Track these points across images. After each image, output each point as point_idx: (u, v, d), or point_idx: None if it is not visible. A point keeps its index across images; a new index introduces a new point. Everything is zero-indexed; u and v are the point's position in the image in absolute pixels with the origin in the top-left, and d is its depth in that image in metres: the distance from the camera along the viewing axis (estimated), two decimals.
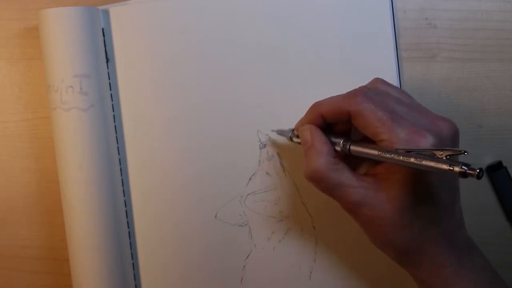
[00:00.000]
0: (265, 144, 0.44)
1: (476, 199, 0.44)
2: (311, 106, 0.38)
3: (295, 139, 0.40)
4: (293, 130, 0.40)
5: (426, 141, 0.33)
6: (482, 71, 0.44)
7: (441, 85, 0.44)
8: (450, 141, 0.35)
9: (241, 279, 0.44)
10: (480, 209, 0.44)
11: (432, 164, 0.31)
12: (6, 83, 0.47)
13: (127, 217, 0.45)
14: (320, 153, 0.36)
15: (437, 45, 0.44)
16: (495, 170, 0.44)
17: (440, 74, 0.44)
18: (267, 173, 0.44)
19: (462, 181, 0.44)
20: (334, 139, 0.37)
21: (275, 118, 0.43)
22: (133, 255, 0.45)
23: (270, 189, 0.44)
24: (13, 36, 0.46)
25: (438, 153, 0.31)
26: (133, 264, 0.45)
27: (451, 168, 0.30)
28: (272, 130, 0.43)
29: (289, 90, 0.43)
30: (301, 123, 0.39)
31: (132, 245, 0.45)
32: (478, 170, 0.30)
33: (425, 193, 0.35)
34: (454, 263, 0.35)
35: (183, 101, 0.44)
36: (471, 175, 0.30)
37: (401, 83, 0.43)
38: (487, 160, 0.44)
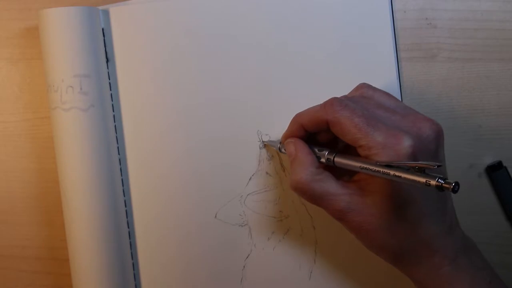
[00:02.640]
0: (265, 144, 0.44)
1: (476, 199, 0.44)
2: (293, 118, 0.39)
3: (283, 150, 0.40)
4: (281, 142, 0.41)
5: (404, 143, 0.33)
6: (482, 71, 0.44)
7: (441, 85, 0.44)
8: (432, 141, 0.35)
9: (241, 279, 0.44)
10: (480, 209, 0.44)
11: (409, 177, 0.31)
12: (6, 83, 0.47)
13: (127, 217, 0.45)
14: (304, 164, 0.36)
15: (437, 45, 0.44)
16: (495, 170, 0.44)
17: (440, 74, 0.44)
18: (267, 173, 0.44)
19: (462, 181, 0.44)
20: (319, 151, 0.38)
21: (275, 118, 0.43)
22: (133, 255, 0.45)
23: (270, 189, 0.44)
24: (13, 36, 0.46)
25: (413, 165, 0.31)
26: (133, 264, 0.45)
27: (428, 182, 0.30)
28: (263, 141, 0.43)
29: (289, 90, 0.43)
30: (285, 135, 0.40)
31: (132, 245, 0.45)
32: (453, 184, 0.30)
33: (410, 195, 0.35)
34: (451, 264, 0.35)
35: (183, 101, 0.44)
36: (446, 188, 0.30)
37: (401, 83, 0.43)
38: (487, 160, 0.44)
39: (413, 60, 0.44)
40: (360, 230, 0.35)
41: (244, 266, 0.44)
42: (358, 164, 0.34)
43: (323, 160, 0.37)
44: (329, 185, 0.36)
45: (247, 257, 0.44)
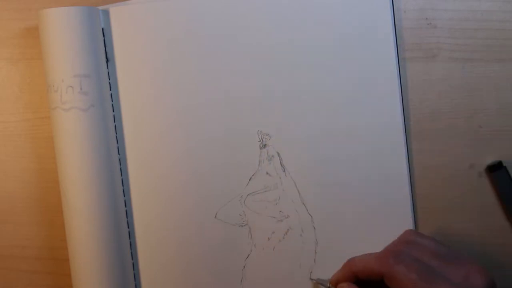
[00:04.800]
0: (265, 144, 0.44)
1: (476, 199, 0.44)
2: (345, 263, 0.39)
3: None
4: (330, 282, 0.41)
5: None
6: (482, 71, 0.44)
7: (441, 85, 0.44)
8: None
9: (241, 279, 0.44)
10: (480, 209, 0.44)
11: None
12: (6, 83, 0.47)
13: (127, 217, 0.45)
14: None
15: (437, 45, 0.44)
16: (495, 170, 0.44)
17: (440, 74, 0.44)
18: (267, 173, 0.44)
19: (462, 181, 0.44)
20: None
21: (275, 118, 0.43)
22: (133, 255, 0.45)
23: (270, 189, 0.44)
24: (13, 36, 0.46)
25: None
26: (133, 264, 0.45)
27: None
28: (311, 278, 0.43)
29: (289, 91, 0.43)
30: (336, 278, 0.40)
31: (132, 245, 0.45)
32: None
33: None
34: None
35: (183, 101, 0.44)
36: None
37: (401, 83, 0.43)
38: (487, 160, 0.44)
39: (413, 60, 0.44)
40: None
41: (244, 266, 0.44)
42: None
43: None
44: None
45: (247, 257, 0.44)
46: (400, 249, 0.37)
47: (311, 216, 0.44)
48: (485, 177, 0.44)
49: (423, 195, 0.44)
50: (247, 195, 0.44)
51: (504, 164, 0.44)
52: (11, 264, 0.47)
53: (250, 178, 0.44)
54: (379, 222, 0.43)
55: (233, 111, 0.44)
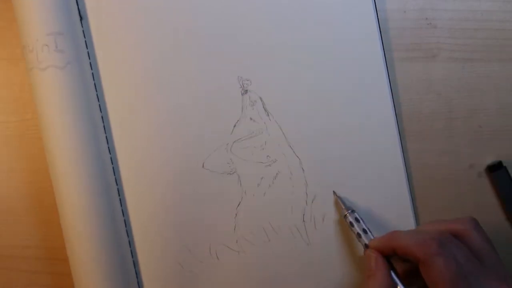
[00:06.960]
0: (246, 90, 0.43)
1: (476, 199, 0.44)
2: (388, 234, 0.38)
3: (349, 223, 0.41)
4: (352, 212, 0.41)
5: None
6: (482, 71, 0.44)
7: (441, 85, 0.44)
8: None
9: (234, 227, 0.44)
10: (480, 209, 0.44)
11: None
12: (6, 83, 0.47)
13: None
14: (379, 286, 0.36)
15: (437, 45, 0.44)
16: (495, 170, 0.44)
17: (440, 74, 0.44)
18: (251, 119, 0.44)
19: (462, 180, 0.44)
20: (398, 279, 0.37)
21: (255, 64, 0.43)
22: (122, 201, 0.44)
23: (255, 134, 0.44)
24: (13, 36, 0.46)
25: None
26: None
27: None
28: (334, 192, 0.43)
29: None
30: (374, 244, 0.39)
31: (120, 192, 0.44)
32: None
33: None
34: None
35: (161, 53, 0.44)
36: None
37: (401, 83, 0.43)
38: (487, 160, 0.44)
39: (413, 60, 0.44)
40: None
41: (236, 214, 0.44)
42: None
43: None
44: None
45: (238, 205, 0.44)
46: (446, 240, 0.35)
47: (299, 158, 0.44)
48: (485, 177, 0.44)
49: (423, 195, 0.44)
50: (233, 143, 0.44)
51: (504, 164, 0.44)
52: (11, 264, 0.47)
53: (235, 125, 0.43)
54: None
55: (213, 58, 0.43)
